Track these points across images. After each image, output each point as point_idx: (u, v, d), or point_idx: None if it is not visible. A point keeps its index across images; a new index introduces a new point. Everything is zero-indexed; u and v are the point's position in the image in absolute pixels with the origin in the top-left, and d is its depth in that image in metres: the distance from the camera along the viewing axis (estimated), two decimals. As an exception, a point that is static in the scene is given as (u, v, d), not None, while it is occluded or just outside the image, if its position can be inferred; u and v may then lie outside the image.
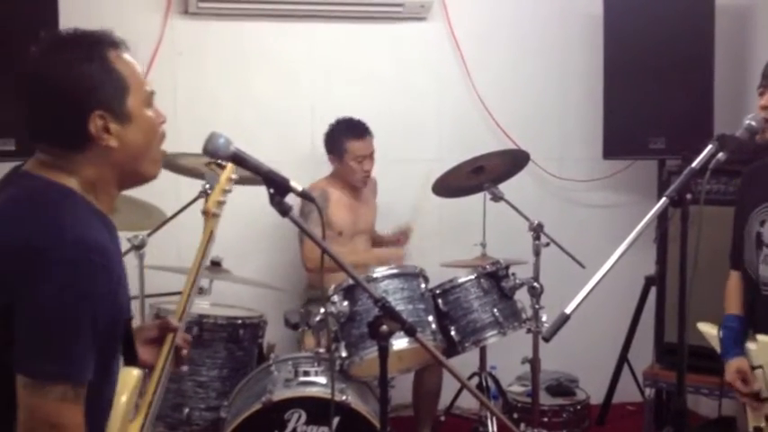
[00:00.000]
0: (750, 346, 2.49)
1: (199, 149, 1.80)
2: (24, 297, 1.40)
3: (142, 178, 1.62)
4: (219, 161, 1.95)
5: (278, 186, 1.77)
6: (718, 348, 2.56)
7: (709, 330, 2.59)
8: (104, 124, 1.51)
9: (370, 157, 3.77)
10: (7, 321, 1.40)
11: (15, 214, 1.46)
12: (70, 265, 1.40)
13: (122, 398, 1.57)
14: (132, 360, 1.67)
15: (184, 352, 1.87)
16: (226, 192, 2.02)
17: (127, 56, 1.57)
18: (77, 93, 1.49)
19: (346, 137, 3.73)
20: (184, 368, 2.24)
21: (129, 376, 1.60)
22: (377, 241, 4.03)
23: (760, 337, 2.45)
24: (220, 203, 2.01)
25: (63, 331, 1.40)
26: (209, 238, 1.98)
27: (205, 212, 2.00)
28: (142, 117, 1.57)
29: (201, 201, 3.08)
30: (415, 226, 4.00)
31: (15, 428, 1.42)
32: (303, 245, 3.67)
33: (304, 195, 1.83)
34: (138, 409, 1.66)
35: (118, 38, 1.57)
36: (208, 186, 2.06)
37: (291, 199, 1.81)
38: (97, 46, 1.53)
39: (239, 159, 1.78)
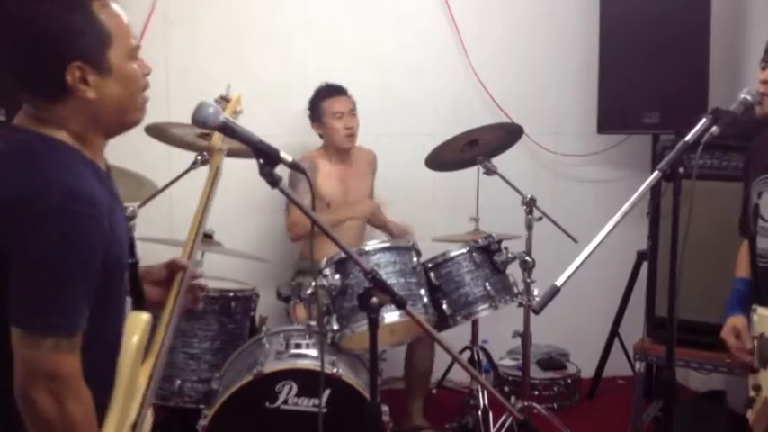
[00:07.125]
0: (752, 316, 2.49)
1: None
2: (15, 251, 1.41)
3: (126, 126, 1.63)
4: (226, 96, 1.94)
5: (268, 157, 1.76)
6: None
7: None
8: (82, 76, 1.50)
9: (350, 113, 3.78)
10: (4, 276, 1.42)
11: (4, 170, 1.46)
12: (56, 216, 1.41)
13: (133, 339, 1.56)
14: (140, 304, 1.69)
15: (201, 288, 1.89)
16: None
17: (113, 6, 1.55)
18: (56, 43, 1.48)
19: (322, 98, 3.78)
20: (200, 306, 2.25)
21: (137, 320, 1.59)
22: (380, 220, 4.01)
23: (760, 309, 2.45)
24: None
25: (52, 283, 1.42)
26: (215, 174, 1.90)
27: (209, 150, 1.95)
28: (124, 69, 1.55)
29: (193, 173, 3.10)
30: (412, 227, 3.94)
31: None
32: (288, 214, 3.67)
33: (294, 166, 1.82)
34: (148, 352, 1.65)
35: None
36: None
37: (281, 169, 1.80)
38: None
39: (229, 130, 1.76)
